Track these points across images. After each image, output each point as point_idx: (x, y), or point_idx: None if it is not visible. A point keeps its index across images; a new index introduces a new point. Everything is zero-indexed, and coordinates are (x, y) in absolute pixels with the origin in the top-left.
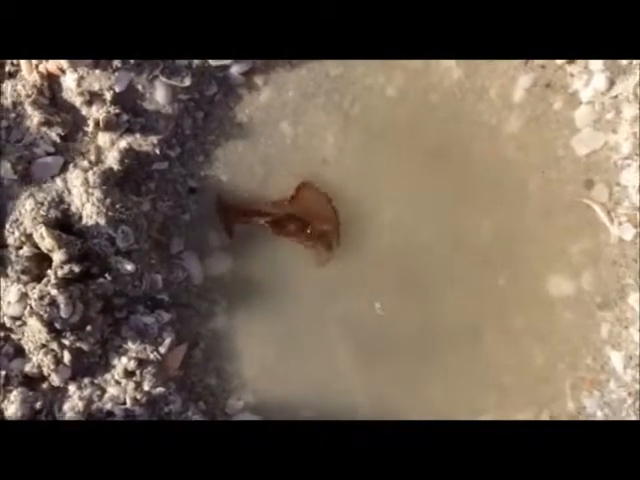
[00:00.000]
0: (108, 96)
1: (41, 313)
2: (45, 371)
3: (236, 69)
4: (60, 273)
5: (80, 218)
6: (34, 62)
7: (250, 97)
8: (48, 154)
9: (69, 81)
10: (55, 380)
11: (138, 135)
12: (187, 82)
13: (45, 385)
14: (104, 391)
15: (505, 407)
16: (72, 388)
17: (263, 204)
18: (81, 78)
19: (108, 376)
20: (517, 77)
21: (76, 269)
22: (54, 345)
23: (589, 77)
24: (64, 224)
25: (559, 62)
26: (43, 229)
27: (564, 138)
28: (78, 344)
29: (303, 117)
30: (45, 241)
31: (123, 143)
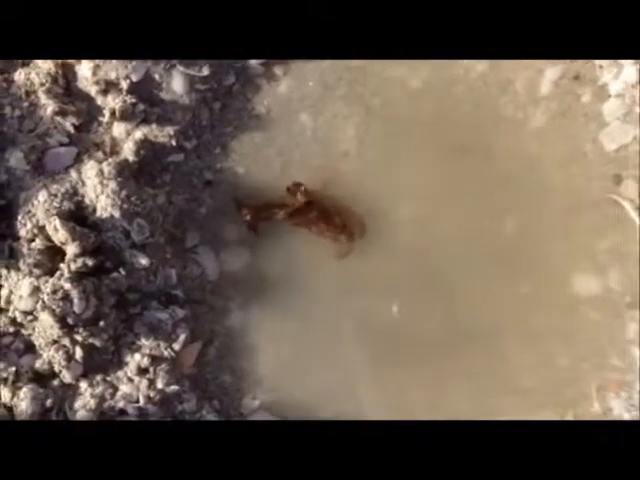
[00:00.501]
0: (124, 85)
1: (53, 308)
2: (56, 368)
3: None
4: (73, 267)
5: (94, 210)
6: None
7: (269, 88)
8: (62, 144)
9: (85, 70)
10: (66, 377)
11: (154, 126)
12: (205, 72)
13: (56, 382)
14: (116, 389)
15: (529, 409)
16: (84, 385)
17: (280, 197)
18: (97, 67)
19: (121, 373)
20: (544, 69)
21: (90, 263)
22: (66, 341)
23: (619, 70)
24: (78, 216)
25: None
26: (57, 221)
27: (592, 132)
28: (91, 340)
29: (323, 109)
30: (59, 233)
31: (139, 134)
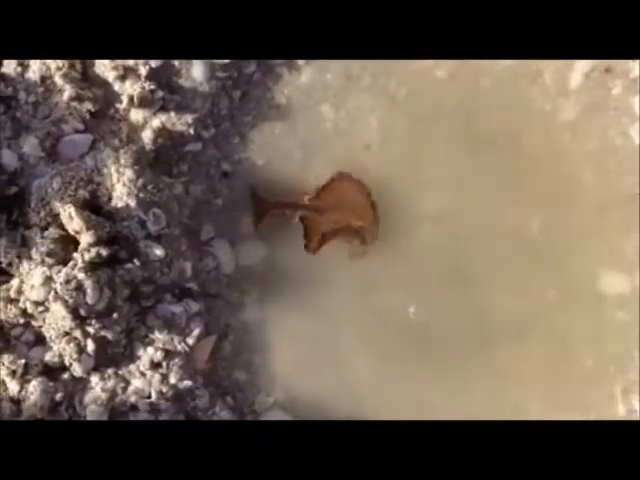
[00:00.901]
0: (143, 71)
1: (66, 298)
2: (67, 360)
3: None
4: (87, 256)
5: (109, 199)
6: None
7: (290, 77)
8: (77, 131)
9: None
10: (77, 370)
11: (172, 113)
12: (225, 59)
13: (66, 375)
14: (128, 383)
15: (552, 409)
16: (95, 379)
17: (297, 196)
18: None
19: (133, 367)
20: (574, 61)
21: (104, 253)
22: (77, 333)
23: None
24: (93, 205)
25: None
26: (72, 209)
27: (622, 126)
28: (103, 332)
29: (346, 100)
30: (73, 222)
31: (157, 122)
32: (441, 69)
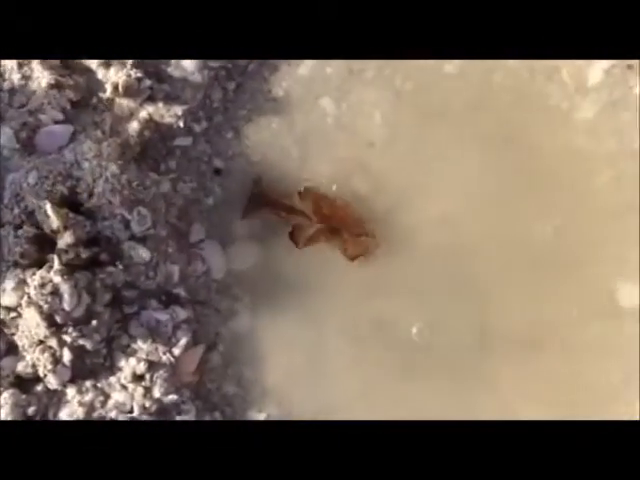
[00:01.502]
0: None
1: (40, 303)
2: (41, 371)
3: None
4: (65, 258)
5: (90, 196)
6: None
7: (288, 68)
8: (56, 122)
9: None
10: (52, 382)
11: (161, 104)
12: None
13: (40, 387)
14: (108, 397)
15: None
16: (71, 392)
17: (293, 198)
18: None
19: (113, 379)
20: None
21: (83, 254)
22: (53, 342)
23: None
24: (72, 202)
25: None
26: (48, 206)
27: None
28: (81, 341)
29: (348, 93)
30: (50, 220)
31: (143, 113)
32: (450, 63)
